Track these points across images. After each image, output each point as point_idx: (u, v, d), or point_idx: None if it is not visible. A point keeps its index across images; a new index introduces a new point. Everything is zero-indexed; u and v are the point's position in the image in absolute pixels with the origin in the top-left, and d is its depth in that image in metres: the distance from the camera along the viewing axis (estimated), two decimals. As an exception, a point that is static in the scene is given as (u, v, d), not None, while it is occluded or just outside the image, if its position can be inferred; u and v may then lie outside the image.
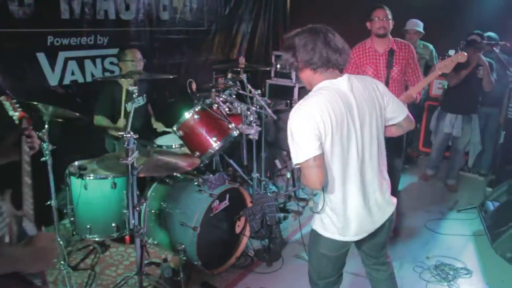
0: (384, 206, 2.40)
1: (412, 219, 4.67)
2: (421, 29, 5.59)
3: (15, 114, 2.33)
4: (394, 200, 2.50)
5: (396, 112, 2.39)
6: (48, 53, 4.37)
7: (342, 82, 2.19)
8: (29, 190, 1.92)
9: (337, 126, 2.09)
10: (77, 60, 4.62)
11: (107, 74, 4.86)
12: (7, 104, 2.27)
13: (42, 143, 3.36)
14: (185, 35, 5.76)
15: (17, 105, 2.31)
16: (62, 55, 4.49)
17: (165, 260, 3.57)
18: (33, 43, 4.23)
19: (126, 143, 2.84)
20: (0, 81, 4.03)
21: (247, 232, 3.84)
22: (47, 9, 4.26)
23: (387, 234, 2.57)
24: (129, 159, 2.83)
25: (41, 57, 4.33)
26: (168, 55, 5.54)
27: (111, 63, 4.90)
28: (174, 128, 3.62)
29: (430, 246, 4.18)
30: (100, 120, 4.15)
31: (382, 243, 2.61)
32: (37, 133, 3.32)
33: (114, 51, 4.86)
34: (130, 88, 3.00)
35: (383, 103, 2.32)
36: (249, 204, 3.76)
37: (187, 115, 3.60)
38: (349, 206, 2.26)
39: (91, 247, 4.03)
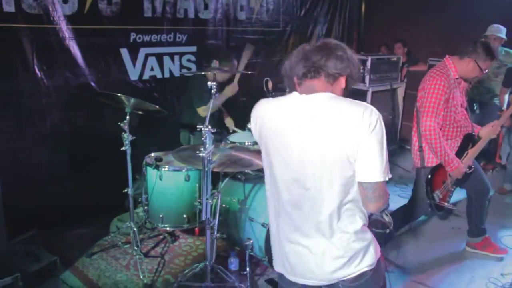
0: None
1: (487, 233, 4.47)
2: (503, 35, 5.34)
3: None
4: None
5: None
6: (131, 49, 4.59)
7: None
8: None
9: None
10: (156, 56, 4.83)
11: (184, 70, 5.01)
12: None
13: (123, 133, 3.54)
14: (261, 35, 5.85)
15: None
16: (143, 51, 4.70)
17: (233, 253, 3.65)
18: (117, 39, 4.47)
19: (203, 136, 2.91)
20: (87, 73, 4.27)
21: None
22: (131, 8, 4.48)
23: None
24: (206, 152, 2.91)
25: (124, 52, 4.55)
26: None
27: (188, 60, 5.06)
28: (249, 126, 3.67)
29: (506, 262, 3.98)
30: (204, 110, 4.22)
31: None
32: (119, 123, 3.52)
33: (192, 48, 5.05)
34: (209, 83, 3.07)
35: None
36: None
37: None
38: None
39: (161, 236, 4.18)
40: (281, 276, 2.05)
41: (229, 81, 4.30)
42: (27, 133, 4.02)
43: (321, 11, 6.77)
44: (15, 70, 3.85)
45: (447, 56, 3.54)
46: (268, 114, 1.92)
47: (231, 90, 4.28)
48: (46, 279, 3.49)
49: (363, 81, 6.07)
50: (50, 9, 3.92)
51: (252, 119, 1.98)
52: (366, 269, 1.90)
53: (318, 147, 1.76)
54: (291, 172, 1.86)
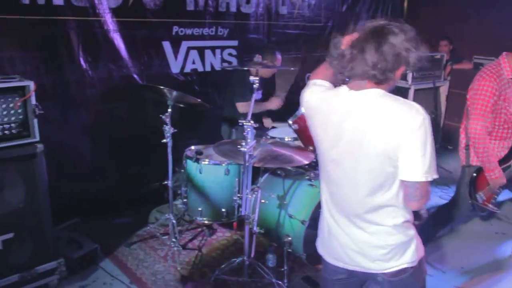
0: None
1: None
2: None
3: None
4: None
5: None
6: (173, 42, 4.63)
7: None
8: None
9: None
10: (198, 49, 4.85)
11: (225, 64, 5.03)
12: None
13: (164, 125, 3.57)
14: (302, 30, 5.79)
15: None
16: (185, 45, 4.73)
17: (270, 249, 3.64)
18: (160, 32, 4.51)
19: (245, 131, 2.91)
20: (130, 65, 4.33)
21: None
22: (174, 1, 4.52)
23: None
24: (247, 147, 2.90)
25: (166, 45, 4.59)
26: (284, 49, 5.59)
27: (230, 54, 5.07)
28: (290, 122, 3.65)
29: None
30: (243, 106, 4.25)
31: None
32: (161, 116, 3.56)
33: (233, 42, 5.04)
34: (251, 78, 3.06)
35: None
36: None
37: (303, 109, 3.60)
38: None
39: (199, 229, 4.22)
40: (325, 262, 2.13)
41: (272, 77, 4.26)
42: (72, 123, 4.11)
43: (363, 7, 6.65)
44: (62, 61, 3.94)
45: (503, 53, 3.37)
46: (318, 104, 1.98)
47: (275, 103, 4.28)
48: (87, 266, 3.59)
49: (405, 78, 5.96)
50: (96, 2, 3.99)
51: (306, 106, 2.05)
52: (406, 265, 1.91)
53: (363, 143, 1.78)
54: (336, 164, 1.91)
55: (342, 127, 1.83)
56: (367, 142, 1.77)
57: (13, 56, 3.66)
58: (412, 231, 1.94)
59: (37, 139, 3.08)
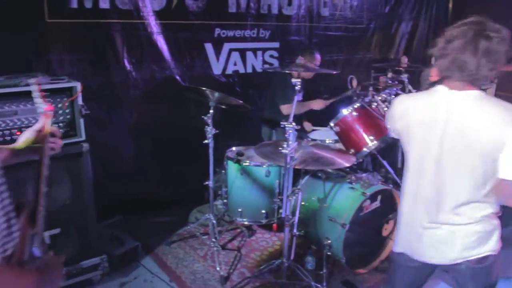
0: None
1: None
2: None
3: (41, 105, 1.83)
4: None
5: None
6: (215, 43, 4.67)
7: None
8: (44, 201, 1.56)
9: None
10: (239, 51, 4.88)
11: (266, 66, 5.04)
12: (35, 89, 1.82)
13: (206, 126, 3.60)
14: (344, 32, 5.75)
15: (47, 94, 1.93)
16: (226, 46, 4.77)
17: (310, 252, 3.62)
18: (202, 34, 4.56)
19: (287, 133, 2.90)
20: (172, 66, 4.38)
21: (394, 237, 3.72)
22: (216, 3, 4.56)
23: None
24: (289, 149, 2.90)
25: (208, 47, 4.64)
26: (326, 51, 5.57)
27: (271, 56, 5.08)
28: (331, 124, 3.62)
29: None
30: (287, 108, 4.24)
31: None
32: (203, 117, 3.59)
33: (275, 44, 5.05)
34: (293, 80, 3.05)
35: None
36: (400, 208, 3.64)
37: (345, 111, 3.58)
38: None
39: (239, 230, 4.24)
40: (401, 254, 2.25)
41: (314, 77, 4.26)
42: (116, 123, 4.20)
43: (406, 8, 6.54)
44: (107, 63, 4.04)
45: None
46: (415, 108, 2.10)
47: (319, 104, 4.26)
48: (128, 263, 3.66)
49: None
50: (140, 4, 4.07)
51: (395, 115, 2.18)
52: (489, 253, 2.04)
53: (466, 142, 1.89)
54: (435, 162, 2.00)
55: (445, 126, 1.94)
56: (470, 141, 1.88)
57: (62, 58, 3.77)
58: (496, 221, 2.06)
59: (83, 138, 3.17)
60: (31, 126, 2.85)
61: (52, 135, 1.76)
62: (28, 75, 3.10)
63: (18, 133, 2.91)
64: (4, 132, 2.88)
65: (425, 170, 2.06)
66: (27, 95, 2.90)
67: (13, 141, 2.84)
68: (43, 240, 1.52)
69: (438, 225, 2.05)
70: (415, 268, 2.24)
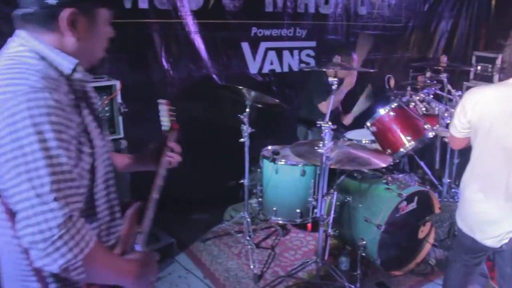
0: None
1: None
2: None
3: (166, 123, 2.01)
4: None
5: None
6: (251, 43, 4.69)
7: None
8: (153, 206, 1.69)
9: None
10: (276, 50, 4.88)
11: (303, 65, 5.03)
12: (163, 109, 1.99)
13: (242, 125, 3.62)
14: (381, 30, 5.68)
15: (174, 114, 2.05)
16: (263, 45, 4.78)
17: (344, 252, 3.60)
18: (239, 33, 4.58)
19: (323, 132, 2.89)
20: (209, 65, 4.43)
21: (431, 239, 3.66)
22: (253, 3, 4.57)
23: None
24: (325, 148, 2.89)
25: (245, 46, 4.66)
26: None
27: (308, 55, 5.07)
28: (368, 124, 3.58)
29: None
30: (325, 106, 4.20)
31: None
32: (239, 115, 3.61)
33: (312, 43, 5.04)
34: (330, 79, 3.04)
35: None
36: (437, 210, 3.57)
37: (382, 111, 3.53)
38: None
39: (273, 229, 4.25)
40: (468, 236, 2.48)
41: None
42: (153, 121, 4.23)
43: (446, 6, 6.40)
44: (146, 62, 4.10)
45: None
46: (488, 99, 2.28)
47: (349, 82, 4.19)
48: (163, 259, 3.70)
49: (491, 80, 5.68)
50: (178, 4, 4.11)
51: (466, 107, 2.35)
52: None
53: None
54: (502, 149, 2.22)
55: None
56: None
57: (102, 57, 3.84)
58: None
59: (122, 135, 3.24)
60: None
61: (172, 150, 1.88)
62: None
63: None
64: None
65: (494, 160, 2.27)
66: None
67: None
68: (146, 239, 1.61)
69: (506, 212, 2.27)
70: (479, 249, 2.46)
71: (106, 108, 3.16)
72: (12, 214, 1.20)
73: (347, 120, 4.61)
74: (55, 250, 1.14)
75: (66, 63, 1.29)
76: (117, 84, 3.17)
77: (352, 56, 4.30)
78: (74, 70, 1.31)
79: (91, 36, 1.35)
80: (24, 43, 1.26)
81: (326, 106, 3.07)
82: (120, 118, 3.19)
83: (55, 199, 1.14)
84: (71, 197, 1.18)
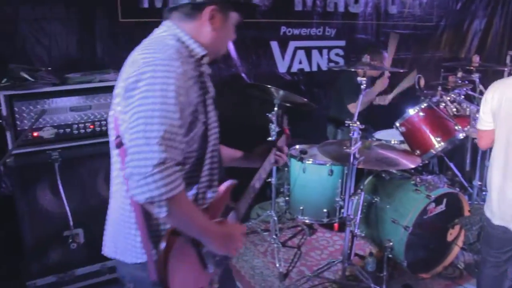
0: None
1: None
2: None
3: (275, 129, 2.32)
4: None
5: None
6: (280, 42, 4.70)
7: None
8: (252, 193, 1.94)
9: None
10: (305, 49, 4.88)
11: (332, 65, 5.01)
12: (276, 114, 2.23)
13: (270, 124, 3.64)
14: (412, 30, 5.61)
15: (286, 121, 2.36)
16: (292, 45, 4.78)
17: (370, 253, 3.58)
18: (268, 32, 4.60)
19: (352, 132, 2.89)
20: (238, 64, 4.45)
21: (460, 242, 3.60)
22: (282, 2, 4.58)
23: None
24: (353, 148, 2.88)
25: (274, 45, 4.68)
26: (393, 50, 5.48)
27: (337, 54, 5.05)
28: (397, 124, 3.55)
29: None
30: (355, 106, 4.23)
31: None
32: (267, 114, 3.63)
33: (341, 43, 5.02)
34: (359, 79, 3.03)
35: None
36: (467, 213, 3.52)
37: (411, 111, 3.50)
38: None
39: (299, 228, 4.25)
40: (499, 226, 2.59)
41: (380, 74, 4.21)
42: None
43: (480, 4, 6.27)
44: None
45: None
46: (508, 84, 2.57)
47: (381, 84, 4.17)
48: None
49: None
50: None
51: (488, 93, 2.63)
52: None
53: None
54: None
55: None
56: None
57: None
58: None
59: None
60: (103, 120, 3.05)
61: (280, 149, 2.14)
62: (102, 72, 3.26)
63: (92, 126, 3.08)
64: (79, 125, 3.05)
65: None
66: (101, 91, 3.09)
67: (87, 133, 3.05)
68: (239, 217, 1.83)
69: None
70: (509, 239, 2.58)
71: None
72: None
73: (387, 100, 4.56)
74: (145, 184, 1.33)
75: (198, 49, 1.60)
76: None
77: (382, 54, 4.27)
78: (202, 56, 1.62)
79: (222, 32, 1.65)
80: (167, 29, 1.60)
81: (355, 107, 3.06)
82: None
83: (158, 144, 1.35)
84: (172, 148, 1.38)
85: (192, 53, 1.59)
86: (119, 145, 1.52)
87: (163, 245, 1.45)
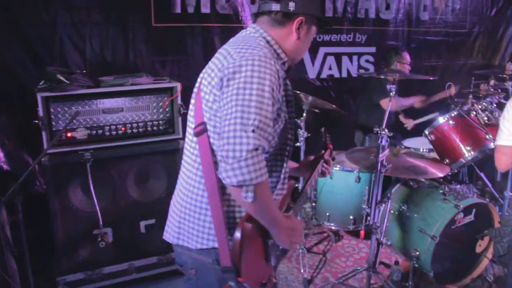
0: None
1: None
2: None
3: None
4: None
5: None
6: (310, 47, 4.64)
7: None
8: (304, 198, 2.04)
9: None
10: (335, 56, 4.88)
11: (362, 71, 4.99)
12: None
13: (298, 129, 3.65)
14: (444, 36, 5.54)
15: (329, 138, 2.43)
16: (322, 50, 4.81)
17: (396, 262, 3.53)
18: (298, 38, 4.60)
19: (379, 139, 2.88)
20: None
21: (489, 255, 3.53)
22: (313, 7, 4.57)
23: None
24: (380, 155, 2.87)
25: (304, 51, 4.68)
26: (424, 57, 5.42)
27: (367, 61, 5.03)
28: (426, 132, 3.52)
29: None
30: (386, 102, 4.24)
31: None
32: (295, 120, 3.63)
33: (371, 49, 5.00)
34: (388, 86, 3.02)
35: None
36: (497, 225, 3.45)
37: (441, 119, 3.46)
38: None
39: (325, 234, 4.24)
40: None
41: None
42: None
43: (515, 10, 6.16)
44: (206, 65, 4.20)
45: None
46: None
47: (419, 102, 4.18)
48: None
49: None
50: (240, 9, 4.21)
51: (506, 115, 2.60)
52: None
53: None
54: None
55: None
56: None
57: (164, 60, 4.02)
58: None
59: (180, 136, 3.34)
60: (134, 122, 3.12)
61: (326, 162, 2.22)
62: (135, 75, 3.34)
63: (123, 128, 3.15)
64: (111, 127, 3.12)
65: None
66: (132, 94, 3.17)
67: (118, 135, 3.13)
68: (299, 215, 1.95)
69: None
70: None
71: (167, 109, 3.27)
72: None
73: (408, 122, 4.55)
74: (239, 168, 1.43)
75: (282, 54, 1.73)
76: (178, 86, 3.28)
77: (402, 55, 4.26)
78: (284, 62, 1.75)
79: (303, 42, 1.78)
80: (255, 32, 1.73)
81: (388, 103, 3.06)
82: (180, 119, 3.30)
83: (253, 131, 1.46)
84: (263, 137, 1.49)
85: (279, 56, 1.72)
86: (200, 132, 1.63)
87: (239, 232, 1.52)
